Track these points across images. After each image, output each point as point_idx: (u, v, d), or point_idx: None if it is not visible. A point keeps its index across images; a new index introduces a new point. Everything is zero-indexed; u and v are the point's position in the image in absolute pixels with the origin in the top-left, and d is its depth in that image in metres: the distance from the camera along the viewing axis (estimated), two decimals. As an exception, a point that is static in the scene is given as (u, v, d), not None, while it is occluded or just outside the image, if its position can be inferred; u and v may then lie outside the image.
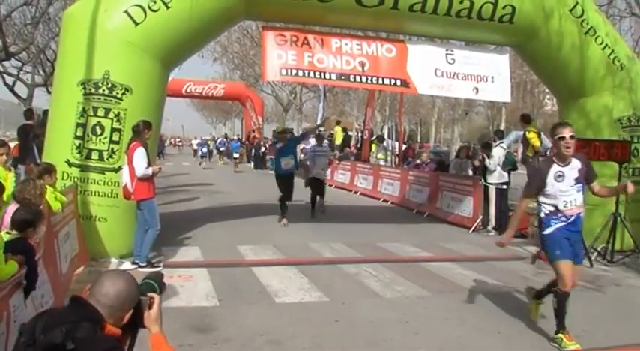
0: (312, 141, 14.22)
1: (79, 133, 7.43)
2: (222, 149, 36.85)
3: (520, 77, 26.72)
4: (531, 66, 10.62)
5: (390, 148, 20.57)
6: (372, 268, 7.80)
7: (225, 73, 42.28)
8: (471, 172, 13.18)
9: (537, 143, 11.56)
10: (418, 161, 16.46)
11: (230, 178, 23.41)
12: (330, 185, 20.78)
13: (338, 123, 26.42)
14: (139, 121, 7.18)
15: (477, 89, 9.59)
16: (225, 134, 48.96)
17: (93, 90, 7.41)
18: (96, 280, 2.37)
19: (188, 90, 35.85)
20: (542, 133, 12.04)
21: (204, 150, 35.33)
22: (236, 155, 29.57)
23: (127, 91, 7.52)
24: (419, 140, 40.38)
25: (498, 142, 11.89)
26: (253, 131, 34.33)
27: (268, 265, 7.76)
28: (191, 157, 43.52)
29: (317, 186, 12.69)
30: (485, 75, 9.61)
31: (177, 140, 73.54)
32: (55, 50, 18.84)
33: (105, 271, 2.49)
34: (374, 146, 21.08)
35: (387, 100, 33.09)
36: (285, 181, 11.60)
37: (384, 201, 16.24)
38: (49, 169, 6.22)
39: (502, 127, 32.22)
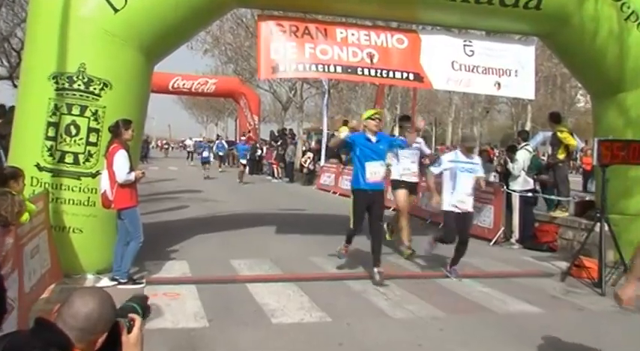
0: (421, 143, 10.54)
1: (51, 133, 7.41)
2: (221, 154, 35.00)
3: (549, 71, 26.66)
4: (561, 58, 10.58)
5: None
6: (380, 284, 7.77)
7: (217, 66, 42.49)
8: (492, 178, 13.13)
9: (573, 142, 11.47)
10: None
11: (223, 184, 23.42)
12: (335, 193, 20.87)
13: (345, 123, 26.50)
14: (117, 120, 7.18)
15: (499, 84, 9.57)
16: (218, 135, 49.06)
17: (66, 85, 7.41)
18: (65, 299, 2.35)
19: (175, 85, 35.94)
20: (573, 134, 11.99)
21: (206, 154, 28.43)
22: (243, 161, 25.84)
23: (106, 86, 7.52)
24: (434, 142, 40.42)
25: (523, 144, 11.86)
26: (249, 132, 34.38)
27: (265, 282, 7.76)
28: (182, 161, 43.50)
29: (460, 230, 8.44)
30: (508, 68, 9.58)
31: (164, 142, 73.54)
32: (22, 38, 18.76)
33: (76, 289, 2.47)
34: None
35: (397, 97, 33.18)
36: (372, 202, 8.03)
37: (394, 210, 16.16)
38: (16, 174, 5.99)
39: (527, 127, 32.18)
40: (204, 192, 19.71)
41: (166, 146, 67.98)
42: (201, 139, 55.47)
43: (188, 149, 44.99)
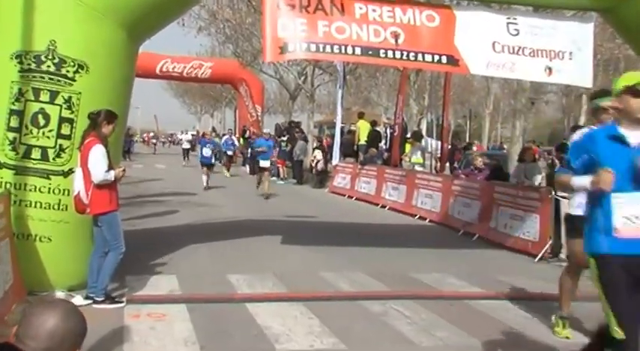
0: None
1: (14, 123, 7.39)
2: (230, 153, 31.10)
3: (610, 53, 26.39)
4: (625, 37, 10.45)
5: (430, 149, 20.53)
6: (403, 306, 7.74)
7: (213, 47, 42.68)
8: (539, 182, 13.05)
9: None
10: (469, 167, 16.41)
11: (219, 186, 23.45)
12: (351, 197, 20.84)
13: (362, 115, 26.48)
14: (100, 110, 7.18)
15: (550, 69, 9.47)
16: (213, 128, 49.19)
17: (33, 65, 7.39)
18: (21, 318, 2.33)
19: (164, 69, 36.15)
20: None
21: (208, 152, 23.36)
22: (265, 163, 20.47)
23: (81, 68, 7.51)
24: (468, 138, 40.29)
25: (576, 141, 11.79)
26: (251, 125, 34.48)
27: (267, 301, 7.75)
28: (173, 158, 43.34)
29: None
30: (561, 50, 9.46)
31: (152, 136, 73.20)
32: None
33: (29, 306, 2.45)
34: (408, 146, 21.04)
35: (425, 85, 33.06)
36: None
37: (421, 218, 16.17)
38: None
39: (581, 121, 31.97)
40: (198, 195, 19.77)
41: (154, 141, 67.28)
42: (195, 133, 55.38)
43: (183, 146, 41.80)
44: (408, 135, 21.86)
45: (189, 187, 21.79)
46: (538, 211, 11.73)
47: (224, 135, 35.49)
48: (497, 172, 15.37)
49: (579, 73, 9.68)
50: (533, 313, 7.76)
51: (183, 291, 8.12)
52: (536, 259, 11.22)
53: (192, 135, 51.60)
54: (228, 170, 29.72)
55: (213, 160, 23.88)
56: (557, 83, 15.97)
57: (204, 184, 22.12)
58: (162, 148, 64.66)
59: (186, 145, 41.45)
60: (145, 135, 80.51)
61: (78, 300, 7.24)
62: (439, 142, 20.40)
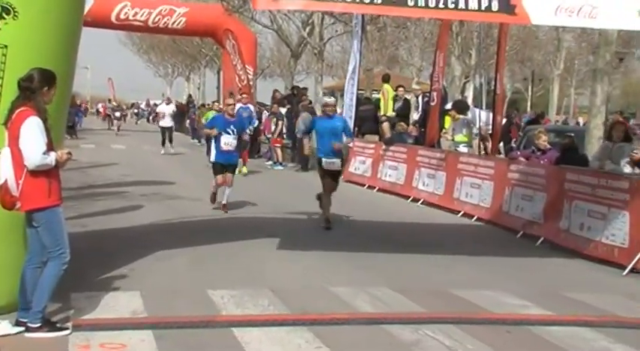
0: None
1: None
2: (248, 134, 23.45)
3: None
4: None
5: (478, 124, 20.43)
6: (442, 332, 7.76)
7: (189, -13, 42.57)
8: (629, 168, 12.95)
9: None
10: (531, 148, 16.31)
11: (198, 172, 23.46)
12: (372, 188, 20.81)
13: (387, 79, 26.41)
14: (33, 71, 7.17)
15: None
16: (190, 95, 49.36)
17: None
18: None
19: (122, 16, 35.85)
20: None
21: (232, 143, 16.03)
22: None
23: (7, 12, 7.49)
24: (529, 108, 40.23)
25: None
26: (240, 91, 34.38)
27: (261, 325, 7.80)
28: (138, 137, 42.93)
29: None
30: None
31: (115, 105, 66.04)
32: None
33: None
34: (448, 120, 20.94)
35: (472, 39, 32.98)
36: None
37: (465, 215, 16.24)
38: None
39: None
40: (169, 184, 19.79)
41: (117, 114, 54.07)
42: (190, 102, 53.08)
43: (163, 123, 34.62)
44: (449, 105, 21.70)
45: (157, 173, 21.86)
46: (627, 206, 11.68)
47: (241, 104, 29.31)
48: (570, 154, 15.23)
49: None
50: (620, 343, 7.74)
51: (149, 313, 8.13)
52: (625, 272, 11.19)
53: (179, 105, 47.28)
54: (244, 164, 23.77)
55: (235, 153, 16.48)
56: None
57: (220, 203, 15.94)
58: (127, 124, 63.56)
59: (168, 122, 34.49)
60: (100, 105, 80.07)
61: (5, 326, 7.25)
62: (490, 114, 20.28)
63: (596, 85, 19.51)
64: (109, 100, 66.22)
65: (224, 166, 15.63)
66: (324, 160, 14.07)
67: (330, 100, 15.54)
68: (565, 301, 9.41)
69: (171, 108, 36.51)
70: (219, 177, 15.57)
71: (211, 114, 26.86)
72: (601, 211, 12.16)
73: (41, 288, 7.25)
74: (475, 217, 15.81)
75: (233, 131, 15.67)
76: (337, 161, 14.32)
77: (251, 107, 26.69)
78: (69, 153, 7.45)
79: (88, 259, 9.52)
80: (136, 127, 61.82)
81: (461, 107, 20.97)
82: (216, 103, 31.28)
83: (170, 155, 31.27)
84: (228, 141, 15.56)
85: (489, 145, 19.82)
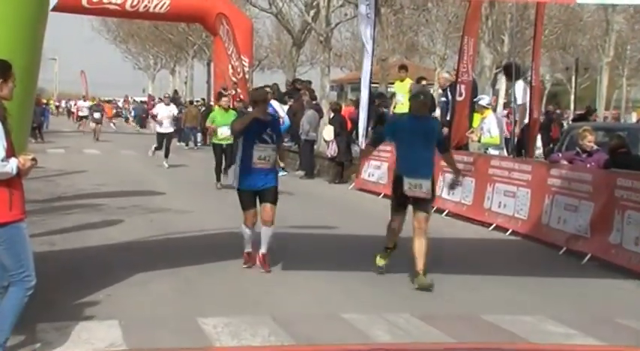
0: None
1: None
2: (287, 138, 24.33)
3: None
4: None
5: (512, 121, 20.41)
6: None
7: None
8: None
9: None
10: (575, 149, 16.30)
11: (184, 181, 23.46)
12: (388, 196, 20.70)
13: (404, 70, 26.41)
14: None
15: None
16: (175, 91, 49.33)
17: None
18: None
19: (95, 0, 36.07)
20: None
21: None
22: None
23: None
24: (573, 103, 40.03)
25: None
26: (235, 85, 34.38)
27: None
28: (117, 138, 42.62)
29: None
30: None
31: (93, 104, 63.49)
32: None
33: None
34: (477, 117, 20.87)
35: (504, 23, 32.90)
36: None
37: (498, 228, 16.18)
38: None
39: None
40: (152, 194, 19.82)
41: (97, 114, 50.80)
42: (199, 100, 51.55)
43: (161, 129, 30.26)
44: (478, 99, 21.51)
45: (137, 182, 21.82)
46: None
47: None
48: (622, 157, 15.22)
49: None
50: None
51: (129, 345, 8.13)
52: None
53: (184, 104, 45.83)
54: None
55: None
56: None
57: (257, 255, 12.25)
58: (109, 126, 62.66)
59: (168, 128, 30.46)
60: (73, 103, 79.19)
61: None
62: (527, 110, 20.23)
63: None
64: (84, 98, 64.09)
65: (257, 193, 12.07)
66: (406, 180, 11.43)
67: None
68: (618, 328, 9.38)
69: (172, 110, 32.13)
70: (251, 213, 12.09)
71: (220, 113, 22.40)
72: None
73: (2, 317, 7.28)
74: (509, 231, 15.76)
75: (272, 138, 12.04)
76: (426, 184, 11.54)
77: (275, 104, 23.58)
78: (33, 159, 7.47)
79: (57, 284, 9.49)
80: (112, 129, 61.10)
81: (510, 72, 20.76)
82: (224, 99, 24.33)
83: (156, 163, 28.94)
84: (264, 154, 11.93)
85: (526, 146, 19.74)
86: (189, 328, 8.76)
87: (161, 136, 29.55)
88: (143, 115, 59.72)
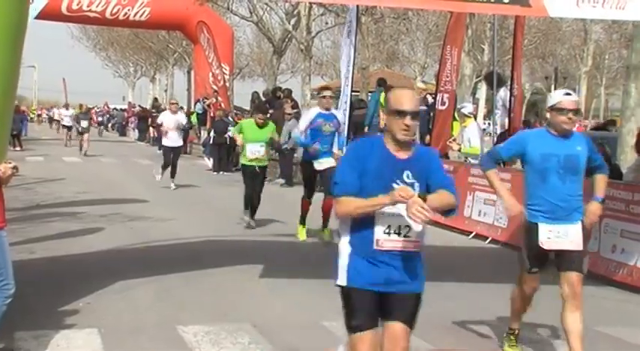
0: None
1: None
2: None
3: None
4: None
5: (492, 129, 20.48)
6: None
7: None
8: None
9: None
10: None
11: (166, 189, 23.41)
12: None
13: (382, 83, 26.43)
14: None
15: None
16: (155, 99, 49.19)
17: None
18: None
19: (75, 6, 35.89)
20: None
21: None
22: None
23: None
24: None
25: None
26: (216, 93, 34.38)
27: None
28: (108, 151, 42.24)
29: None
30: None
31: (79, 112, 59.91)
32: None
33: None
34: (457, 126, 20.93)
35: (485, 33, 33.00)
36: None
37: (477, 236, 16.33)
38: None
39: None
40: (133, 202, 19.82)
41: (84, 122, 46.86)
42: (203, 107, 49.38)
43: (167, 141, 25.31)
44: (461, 108, 21.58)
45: (118, 190, 21.75)
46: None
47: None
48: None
49: None
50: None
51: (109, 353, 8.11)
52: None
53: (144, 110, 46.15)
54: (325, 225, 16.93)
55: None
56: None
57: None
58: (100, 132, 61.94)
59: (175, 141, 25.39)
60: (55, 110, 78.56)
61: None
62: (506, 118, 20.32)
63: (630, 84, 19.58)
64: (66, 106, 61.69)
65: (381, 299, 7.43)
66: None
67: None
68: (595, 336, 9.40)
69: (179, 119, 26.24)
70: (368, 337, 6.82)
71: (252, 128, 17.36)
72: (637, 230, 12.22)
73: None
74: (489, 239, 15.88)
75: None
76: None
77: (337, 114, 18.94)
78: (14, 167, 7.44)
79: (37, 292, 9.48)
80: (95, 136, 60.65)
81: (491, 80, 20.82)
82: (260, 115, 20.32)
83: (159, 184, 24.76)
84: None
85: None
86: (170, 336, 8.75)
87: (168, 151, 24.71)
88: (123, 123, 59.72)
